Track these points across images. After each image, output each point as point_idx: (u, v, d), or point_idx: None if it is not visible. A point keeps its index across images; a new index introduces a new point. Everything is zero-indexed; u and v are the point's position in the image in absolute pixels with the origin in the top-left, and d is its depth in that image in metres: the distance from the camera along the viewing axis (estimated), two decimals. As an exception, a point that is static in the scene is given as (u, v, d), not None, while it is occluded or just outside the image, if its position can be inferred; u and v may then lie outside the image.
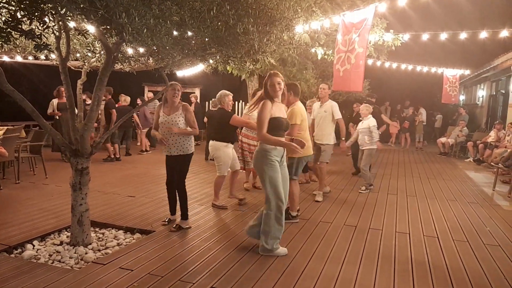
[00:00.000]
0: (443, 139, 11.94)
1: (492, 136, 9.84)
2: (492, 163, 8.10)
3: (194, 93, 12.89)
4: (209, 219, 4.62)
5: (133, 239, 3.99)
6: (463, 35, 8.61)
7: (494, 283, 3.16)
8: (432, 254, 3.72)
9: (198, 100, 12.84)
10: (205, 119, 5.64)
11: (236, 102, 10.26)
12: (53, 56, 4.41)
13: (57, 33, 3.59)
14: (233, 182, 5.38)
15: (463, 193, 6.46)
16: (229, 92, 5.15)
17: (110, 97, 8.74)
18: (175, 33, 3.31)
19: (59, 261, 3.41)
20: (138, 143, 10.93)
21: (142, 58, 4.10)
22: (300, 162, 4.62)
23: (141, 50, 4.03)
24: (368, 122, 6.34)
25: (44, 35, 2.91)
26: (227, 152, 5.00)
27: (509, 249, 3.92)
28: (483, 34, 8.31)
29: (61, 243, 3.76)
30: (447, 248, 3.89)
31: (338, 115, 5.92)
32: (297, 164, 4.58)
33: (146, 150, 10.26)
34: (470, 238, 4.21)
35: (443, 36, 8.50)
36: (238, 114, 10.17)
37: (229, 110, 5.13)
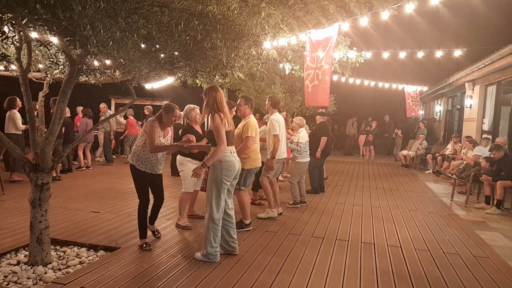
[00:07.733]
0: (404, 152, 12.45)
1: (449, 149, 10.38)
2: (449, 175, 8.53)
3: (149, 106, 11.77)
4: (176, 234, 4.54)
5: (97, 256, 3.84)
6: (420, 54, 9.14)
7: (453, 289, 3.30)
8: (396, 263, 3.85)
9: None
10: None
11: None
12: (13, 67, 4.24)
13: (18, 44, 3.46)
14: (192, 200, 5.20)
15: (423, 204, 6.74)
16: (194, 106, 5.02)
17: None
18: (142, 46, 3.29)
19: (16, 282, 3.21)
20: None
21: (108, 71, 4.03)
22: (249, 173, 4.75)
23: (108, 62, 3.97)
24: (298, 135, 6.20)
25: (3, 46, 2.81)
26: (191, 168, 4.73)
27: (466, 256, 4.12)
28: (439, 53, 8.88)
29: (18, 263, 3.55)
30: (410, 257, 4.04)
31: (274, 131, 5.33)
32: (245, 175, 4.69)
33: (87, 167, 9.36)
34: (430, 247, 4.39)
35: (402, 54, 9.00)
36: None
37: (198, 124, 5.02)
